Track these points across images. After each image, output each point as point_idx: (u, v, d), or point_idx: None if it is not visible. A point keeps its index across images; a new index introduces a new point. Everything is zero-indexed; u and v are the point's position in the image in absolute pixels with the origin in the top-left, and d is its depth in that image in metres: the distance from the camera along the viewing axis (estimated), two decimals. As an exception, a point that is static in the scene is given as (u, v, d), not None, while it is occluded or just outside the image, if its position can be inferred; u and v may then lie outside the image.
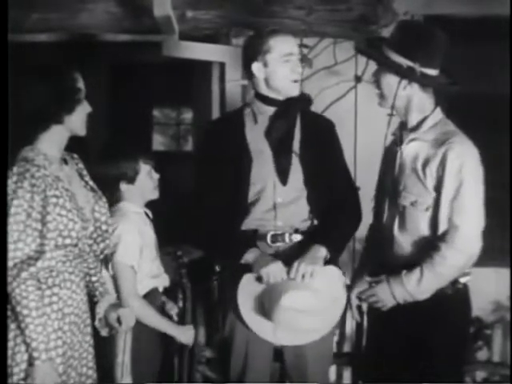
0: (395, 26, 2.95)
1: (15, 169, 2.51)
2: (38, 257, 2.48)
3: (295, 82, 2.92)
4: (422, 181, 2.81)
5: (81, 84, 2.62)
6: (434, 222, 2.80)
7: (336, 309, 2.92)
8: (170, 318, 3.21)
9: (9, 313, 2.52)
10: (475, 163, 2.79)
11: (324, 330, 2.90)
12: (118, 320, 2.75)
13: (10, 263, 2.45)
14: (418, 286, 2.77)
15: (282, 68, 2.90)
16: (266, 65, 2.91)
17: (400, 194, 2.86)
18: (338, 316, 2.93)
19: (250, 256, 2.87)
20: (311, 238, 2.91)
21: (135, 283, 3.04)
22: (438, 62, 2.84)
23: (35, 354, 2.46)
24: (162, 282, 3.19)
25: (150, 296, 3.11)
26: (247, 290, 2.89)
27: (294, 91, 2.94)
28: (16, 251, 2.46)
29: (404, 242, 2.86)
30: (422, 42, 2.81)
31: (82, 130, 2.66)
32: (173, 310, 3.25)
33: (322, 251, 2.86)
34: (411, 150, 2.87)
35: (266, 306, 2.85)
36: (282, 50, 2.88)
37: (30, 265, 2.46)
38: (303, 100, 3.00)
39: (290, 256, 2.87)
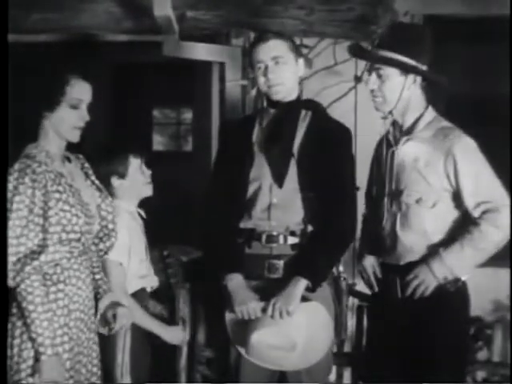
0: (387, 28, 2.97)
1: (16, 165, 2.53)
2: (41, 251, 2.50)
3: (269, 87, 2.92)
4: (425, 179, 2.83)
5: (70, 88, 2.61)
6: (461, 212, 2.85)
7: (317, 344, 2.85)
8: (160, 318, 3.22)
9: (14, 310, 2.53)
10: (477, 150, 2.85)
11: (305, 363, 2.86)
12: (114, 317, 2.76)
13: (14, 258, 2.46)
14: (457, 260, 2.80)
15: (257, 75, 2.94)
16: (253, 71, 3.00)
17: (402, 193, 2.87)
18: (322, 350, 2.87)
19: (230, 284, 2.89)
20: (292, 266, 2.89)
21: (124, 281, 3.04)
22: (429, 59, 2.88)
23: (41, 349, 2.47)
24: (150, 282, 3.18)
25: (138, 296, 3.11)
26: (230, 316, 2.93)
27: (274, 96, 2.94)
28: (19, 246, 2.47)
29: (406, 239, 2.87)
30: (417, 41, 2.85)
31: (71, 135, 2.66)
32: (156, 309, 3.24)
33: (300, 285, 2.83)
34: (409, 149, 2.88)
35: (241, 335, 2.88)
36: (255, 58, 2.93)
37: (33, 259, 2.48)
38: (306, 106, 3.00)
39: (269, 291, 2.86)
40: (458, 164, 2.79)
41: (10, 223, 2.46)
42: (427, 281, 2.83)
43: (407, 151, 2.88)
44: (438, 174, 2.82)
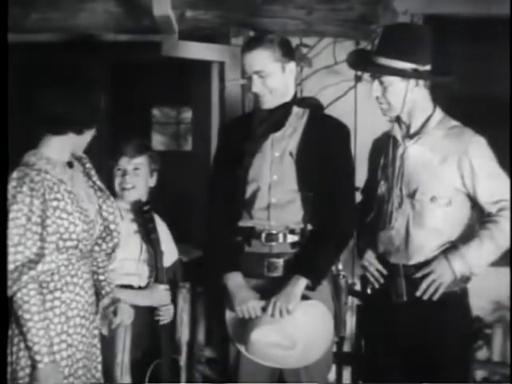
0: (384, 32, 2.94)
1: (15, 174, 2.53)
2: (38, 260, 2.49)
3: (256, 97, 2.93)
4: (440, 177, 2.84)
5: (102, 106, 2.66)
6: (473, 212, 2.89)
7: (317, 342, 2.87)
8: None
9: (13, 318, 2.53)
10: (489, 149, 2.88)
11: (305, 361, 2.87)
12: (115, 312, 2.76)
13: (11, 266, 2.46)
14: (477, 257, 2.81)
15: (246, 83, 2.97)
16: None
17: (416, 191, 2.87)
18: (322, 348, 2.88)
19: (230, 283, 2.90)
20: (292, 264, 2.89)
21: None
22: (430, 57, 2.87)
23: (38, 358, 2.48)
24: (139, 282, 3.16)
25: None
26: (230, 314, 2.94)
27: (263, 106, 2.93)
28: (16, 254, 2.47)
29: (418, 238, 2.88)
30: (416, 42, 2.84)
31: (81, 150, 2.70)
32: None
33: (301, 284, 2.85)
34: (421, 148, 2.88)
35: (241, 334, 2.89)
36: (242, 66, 2.93)
37: (30, 268, 2.48)
38: (302, 104, 3.00)
39: (269, 289, 2.87)
40: (474, 164, 2.81)
41: (8, 232, 2.46)
42: (444, 276, 2.82)
43: (419, 150, 2.88)
44: (452, 172, 2.83)
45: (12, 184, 2.50)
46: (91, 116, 2.62)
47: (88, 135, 2.67)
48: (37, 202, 2.51)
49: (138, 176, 3.20)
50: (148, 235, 3.11)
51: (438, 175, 2.84)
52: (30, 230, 2.49)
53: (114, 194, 3.15)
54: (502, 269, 4.02)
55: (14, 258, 2.46)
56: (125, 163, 3.19)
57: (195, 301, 3.79)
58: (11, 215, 2.47)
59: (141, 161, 3.21)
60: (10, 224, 2.46)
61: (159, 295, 3.14)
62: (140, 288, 3.16)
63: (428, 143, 2.87)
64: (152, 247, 3.12)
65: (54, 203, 2.55)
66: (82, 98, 2.59)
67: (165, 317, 3.17)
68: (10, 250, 2.46)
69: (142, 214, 3.12)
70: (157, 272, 3.14)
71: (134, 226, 3.16)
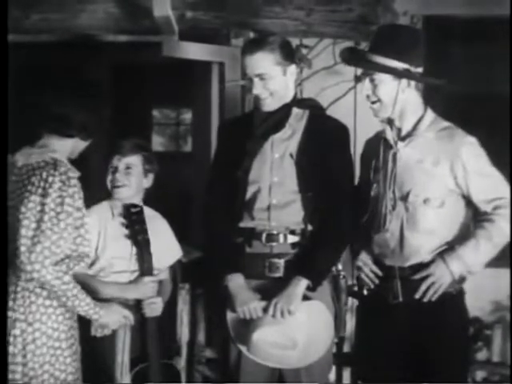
0: (378, 31, 2.95)
1: (62, 168, 2.55)
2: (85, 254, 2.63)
3: (257, 100, 2.93)
4: (432, 179, 2.83)
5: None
6: (469, 212, 2.88)
7: (317, 342, 2.88)
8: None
9: (24, 316, 2.54)
10: (481, 148, 2.87)
11: (305, 361, 2.88)
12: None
13: (60, 256, 2.51)
14: (474, 256, 2.81)
15: (247, 85, 2.99)
16: None
17: (408, 194, 2.86)
18: (323, 348, 2.89)
19: (231, 285, 2.90)
20: (293, 265, 2.90)
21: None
22: (422, 60, 2.87)
23: (95, 316, 2.61)
24: (130, 278, 3.16)
25: None
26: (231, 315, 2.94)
27: (263, 108, 2.93)
28: (79, 246, 2.60)
29: (413, 240, 2.87)
30: (410, 44, 2.84)
31: (75, 155, 2.73)
32: None
33: (301, 285, 2.85)
34: (413, 150, 2.88)
35: (242, 334, 2.89)
36: (243, 68, 2.95)
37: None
38: (301, 105, 3.00)
39: (270, 290, 2.88)
40: (467, 165, 2.80)
41: (62, 224, 2.51)
42: (443, 278, 2.82)
43: (410, 152, 2.87)
44: (445, 174, 2.83)
45: (60, 178, 2.53)
46: (100, 125, 2.68)
47: (87, 142, 2.69)
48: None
49: (129, 175, 3.19)
50: (135, 236, 3.10)
51: (431, 177, 2.84)
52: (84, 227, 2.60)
53: (107, 191, 3.17)
54: (502, 270, 4.03)
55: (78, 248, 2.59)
56: (116, 161, 3.19)
57: (195, 301, 3.79)
58: (64, 208, 2.52)
59: (133, 160, 3.21)
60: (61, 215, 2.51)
61: (144, 287, 3.11)
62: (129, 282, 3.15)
63: (420, 145, 2.86)
64: (139, 248, 3.11)
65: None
66: (97, 106, 2.68)
67: (149, 310, 3.12)
68: (58, 242, 2.50)
69: (130, 216, 3.11)
70: (142, 268, 3.11)
71: (124, 228, 3.15)
